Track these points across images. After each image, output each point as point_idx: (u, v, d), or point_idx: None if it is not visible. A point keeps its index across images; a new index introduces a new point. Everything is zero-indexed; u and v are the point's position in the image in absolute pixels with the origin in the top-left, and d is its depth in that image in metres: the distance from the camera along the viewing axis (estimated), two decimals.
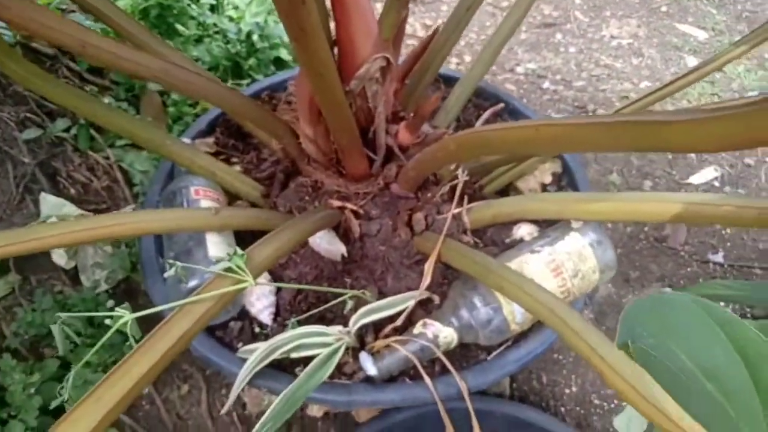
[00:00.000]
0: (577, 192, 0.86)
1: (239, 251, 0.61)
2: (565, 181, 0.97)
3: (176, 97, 1.25)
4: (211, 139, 0.99)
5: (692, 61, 2.03)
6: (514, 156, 0.88)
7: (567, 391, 1.15)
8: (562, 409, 1.12)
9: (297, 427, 1.06)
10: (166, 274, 0.58)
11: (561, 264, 0.73)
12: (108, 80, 1.22)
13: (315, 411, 1.04)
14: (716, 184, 1.64)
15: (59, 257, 1.07)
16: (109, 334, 0.54)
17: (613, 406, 1.13)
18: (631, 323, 0.52)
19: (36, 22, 0.53)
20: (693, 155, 1.72)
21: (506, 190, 0.96)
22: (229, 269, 0.58)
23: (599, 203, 0.68)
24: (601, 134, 0.46)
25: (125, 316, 0.53)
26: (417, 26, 2.17)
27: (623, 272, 1.37)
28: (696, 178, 1.65)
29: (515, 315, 0.72)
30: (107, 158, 1.17)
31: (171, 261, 0.60)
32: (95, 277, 1.10)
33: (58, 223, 0.67)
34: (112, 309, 1.07)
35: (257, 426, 0.59)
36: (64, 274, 1.09)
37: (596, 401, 1.13)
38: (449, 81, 1.14)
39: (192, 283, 0.71)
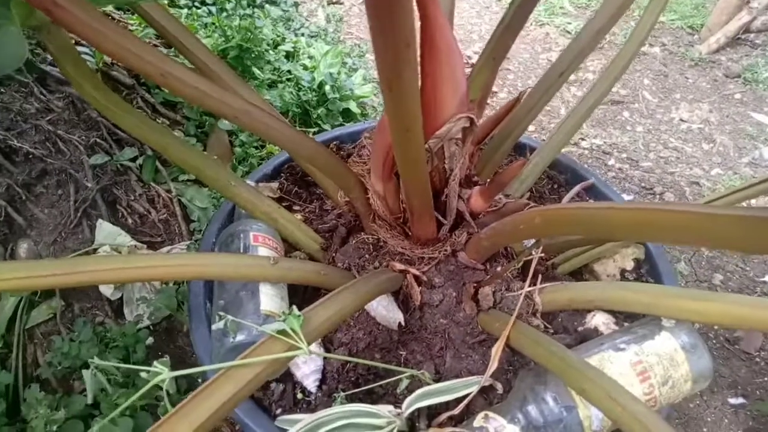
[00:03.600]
0: (671, 286, 0.78)
1: (296, 311, 0.56)
2: (646, 269, 0.88)
3: (244, 138, 1.24)
4: (275, 184, 0.96)
5: None
6: (595, 238, 0.80)
7: None
8: None
9: None
10: (213, 326, 0.53)
11: (649, 367, 0.64)
12: (180, 115, 1.23)
13: None
14: None
15: (106, 287, 1.05)
16: (142, 391, 0.49)
17: None
18: None
19: (122, 47, 0.52)
20: None
21: (580, 272, 0.88)
22: (282, 331, 0.53)
23: (704, 303, 0.59)
24: (743, 231, 0.39)
25: (163, 373, 0.47)
26: None
27: None
28: None
29: (592, 421, 0.62)
30: (168, 191, 1.16)
31: (221, 313, 0.55)
32: (139, 311, 1.06)
33: (106, 258, 0.64)
34: (151, 346, 1.05)
35: None
36: (108, 305, 1.06)
37: None
38: (521, 149, 1.09)
39: (239, 338, 0.65)
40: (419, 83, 0.51)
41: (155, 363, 0.50)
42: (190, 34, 0.79)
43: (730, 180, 1.80)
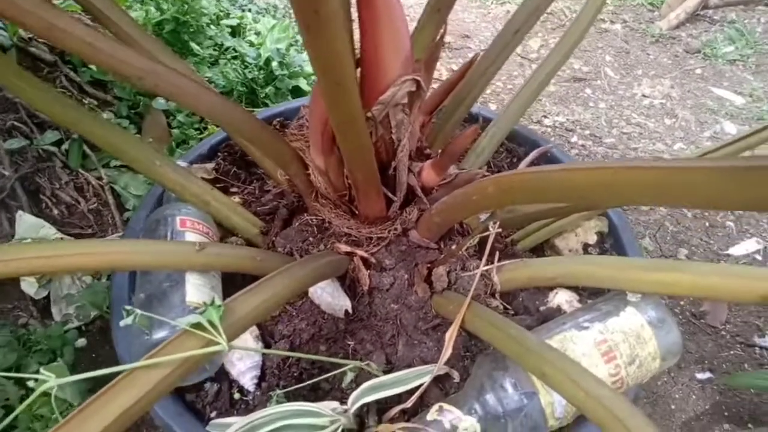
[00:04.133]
0: (636, 258, 0.73)
1: (217, 301, 0.48)
2: (610, 243, 0.83)
3: (182, 119, 1.15)
4: (211, 165, 0.88)
5: (729, 126, 1.94)
6: (556, 210, 0.75)
7: None
8: None
9: None
10: (122, 322, 0.46)
11: (615, 346, 0.59)
12: (111, 95, 1.13)
13: None
14: (758, 257, 1.50)
15: (28, 285, 0.95)
16: (29, 400, 0.41)
17: None
18: None
19: None
20: (732, 225, 1.59)
21: (542, 248, 0.83)
22: (199, 324, 0.45)
23: (670, 273, 0.54)
24: (713, 183, 0.33)
25: (50, 380, 0.39)
26: (443, 71, 2.11)
27: None
28: (736, 250, 1.51)
29: (555, 407, 0.57)
30: (99, 179, 1.06)
31: (128, 308, 0.47)
32: (68, 311, 0.97)
33: (7, 247, 0.55)
34: (83, 349, 0.95)
35: None
36: (33, 305, 0.95)
37: None
38: (476, 121, 1.03)
39: (159, 335, 0.57)
40: (345, 21, 0.44)
41: (41, 369, 0.42)
42: (112, 3, 0.70)
43: (692, 154, 1.79)
